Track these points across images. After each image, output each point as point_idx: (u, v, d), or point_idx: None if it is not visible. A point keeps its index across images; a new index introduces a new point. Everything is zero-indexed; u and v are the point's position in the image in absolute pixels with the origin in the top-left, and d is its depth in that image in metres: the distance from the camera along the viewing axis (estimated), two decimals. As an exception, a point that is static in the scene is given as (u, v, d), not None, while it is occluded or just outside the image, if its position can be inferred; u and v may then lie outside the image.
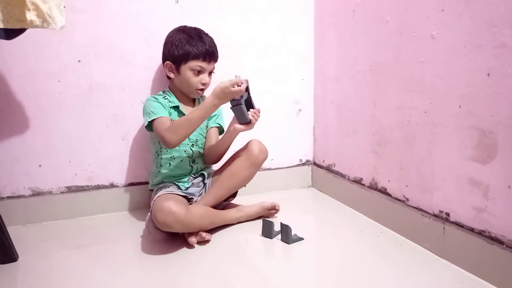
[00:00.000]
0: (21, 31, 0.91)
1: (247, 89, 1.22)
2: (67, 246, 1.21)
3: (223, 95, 1.17)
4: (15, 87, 1.34)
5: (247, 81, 1.21)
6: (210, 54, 1.32)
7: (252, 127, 1.27)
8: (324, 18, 1.64)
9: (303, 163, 1.79)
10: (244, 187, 1.37)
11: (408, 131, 1.21)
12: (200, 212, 1.21)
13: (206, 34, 1.36)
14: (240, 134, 1.30)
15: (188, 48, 1.29)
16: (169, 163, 1.34)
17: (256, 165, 1.32)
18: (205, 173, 1.40)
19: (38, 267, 1.09)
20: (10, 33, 0.90)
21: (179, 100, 1.38)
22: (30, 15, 0.73)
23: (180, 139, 1.20)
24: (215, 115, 1.45)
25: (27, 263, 1.11)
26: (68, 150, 1.43)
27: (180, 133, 1.20)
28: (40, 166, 1.40)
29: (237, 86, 1.16)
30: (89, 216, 1.46)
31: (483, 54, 0.95)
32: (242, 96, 1.20)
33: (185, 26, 1.37)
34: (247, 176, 1.32)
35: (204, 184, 1.39)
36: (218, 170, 1.41)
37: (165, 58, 1.35)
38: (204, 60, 1.31)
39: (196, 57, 1.30)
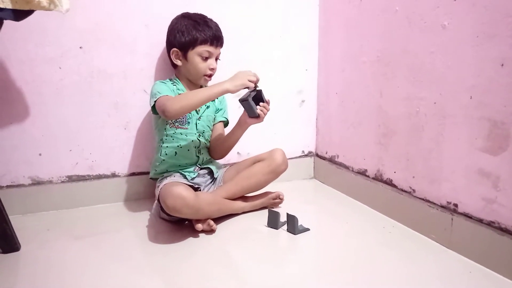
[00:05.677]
0: (29, 12, 0.88)
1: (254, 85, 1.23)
2: (68, 236, 1.19)
3: (236, 77, 1.18)
4: (14, 73, 1.30)
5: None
6: (217, 38, 1.31)
7: (261, 121, 1.28)
8: (329, 7, 1.62)
9: (305, 155, 1.78)
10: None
11: (416, 122, 1.20)
12: (209, 198, 1.21)
13: (211, 19, 1.34)
14: (251, 132, 1.33)
15: (195, 33, 1.27)
16: (175, 151, 1.32)
17: (276, 174, 1.35)
18: (213, 168, 1.38)
19: (39, 257, 1.07)
20: (19, 14, 0.87)
21: (187, 88, 1.35)
22: (38, -4, 0.70)
23: (181, 108, 1.15)
24: (222, 109, 1.44)
25: (28, 252, 1.09)
26: (68, 139, 1.39)
27: (182, 102, 1.15)
28: (40, 155, 1.37)
29: (254, 80, 1.19)
30: (90, 206, 1.43)
31: (497, 44, 0.94)
32: (249, 92, 1.22)
33: (188, 13, 1.35)
34: (263, 180, 1.34)
35: (214, 178, 1.38)
36: (234, 165, 1.42)
37: (171, 45, 1.32)
38: (211, 44, 1.29)
39: (203, 42, 1.28)
